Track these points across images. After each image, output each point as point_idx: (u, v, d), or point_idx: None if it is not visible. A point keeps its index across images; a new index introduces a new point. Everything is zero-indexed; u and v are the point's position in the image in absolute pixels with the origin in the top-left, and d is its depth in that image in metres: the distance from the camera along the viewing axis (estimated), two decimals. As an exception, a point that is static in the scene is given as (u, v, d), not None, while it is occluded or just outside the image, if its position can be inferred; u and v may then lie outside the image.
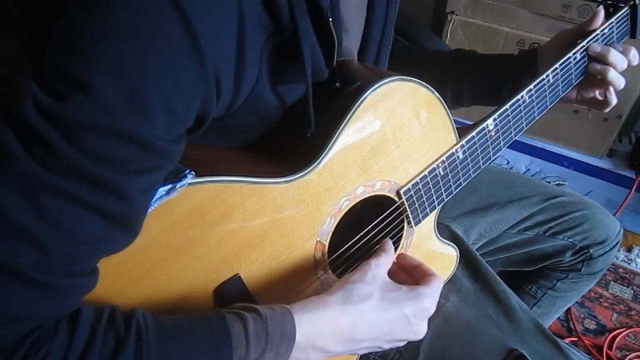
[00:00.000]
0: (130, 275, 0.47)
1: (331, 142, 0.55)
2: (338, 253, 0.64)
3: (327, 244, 0.61)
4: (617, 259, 1.60)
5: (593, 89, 0.82)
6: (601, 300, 1.49)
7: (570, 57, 0.76)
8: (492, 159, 0.74)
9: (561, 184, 1.68)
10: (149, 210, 0.45)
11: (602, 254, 0.96)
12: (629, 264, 1.60)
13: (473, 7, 1.53)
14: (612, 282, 1.54)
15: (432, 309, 0.58)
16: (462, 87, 0.84)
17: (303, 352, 0.50)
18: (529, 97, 0.73)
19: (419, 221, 0.69)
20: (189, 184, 0.47)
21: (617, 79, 0.77)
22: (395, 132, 0.61)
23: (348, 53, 0.63)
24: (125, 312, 0.43)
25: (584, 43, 0.77)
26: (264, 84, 0.49)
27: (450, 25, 1.56)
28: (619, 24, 0.81)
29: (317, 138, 0.56)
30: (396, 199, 0.65)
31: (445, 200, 0.71)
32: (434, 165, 0.66)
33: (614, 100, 0.80)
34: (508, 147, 0.76)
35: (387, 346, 0.57)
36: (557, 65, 0.74)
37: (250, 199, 0.52)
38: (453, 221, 0.90)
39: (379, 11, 0.64)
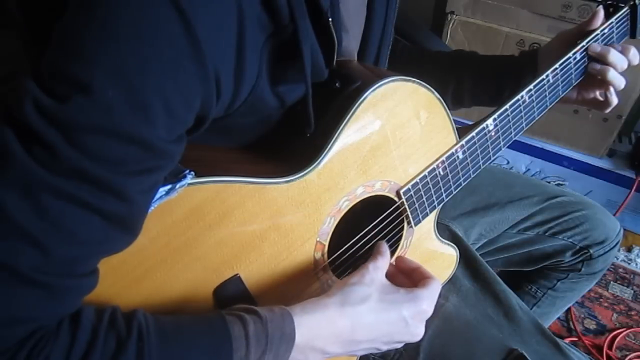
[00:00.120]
0: (130, 276, 0.47)
1: (331, 142, 0.55)
2: (338, 253, 0.64)
3: (326, 244, 0.61)
4: (617, 259, 1.60)
5: (593, 90, 0.82)
6: (601, 300, 1.49)
7: (570, 57, 0.76)
8: (492, 159, 0.74)
9: (561, 184, 1.68)
10: (149, 210, 0.45)
11: (602, 254, 0.96)
12: (629, 264, 1.60)
13: (473, 7, 1.53)
14: (612, 282, 1.54)
15: (429, 311, 0.58)
16: (463, 87, 0.85)
17: (302, 354, 0.50)
18: (529, 97, 0.73)
19: (419, 221, 0.69)
20: (189, 184, 0.47)
21: (617, 79, 0.77)
22: (395, 132, 0.61)
23: (348, 53, 0.63)
24: (126, 313, 0.44)
25: (583, 43, 0.77)
26: (263, 84, 0.49)
27: (450, 25, 1.56)
28: (618, 24, 0.81)
29: (317, 138, 0.56)
30: (396, 199, 0.65)
31: (445, 200, 0.71)
32: (434, 166, 0.66)
33: (614, 100, 0.80)
34: (508, 147, 0.76)
35: (385, 347, 0.57)
36: (557, 66, 0.74)
37: (250, 199, 0.52)
38: (453, 221, 0.90)
39: (378, 11, 0.64)
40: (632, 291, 1.52)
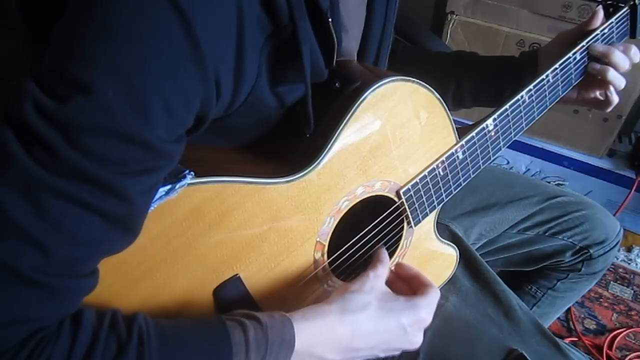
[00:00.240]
0: (130, 276, 0.47)
1: (331, 143, 0.55)
2: (338, 253, 0.65)
3: (326, 244, 0.61)
4: (617, 259, 1.60)
5: (593, 89, 0.82)
6: (601, 300, 1.49)
7: (569, 57, 0.76)
8: (492, 159, 0.74)
9: (561, 184, 1.68)
10: (149, 210, 0.45)
11: (602, 254, 0.96)
12: (629, 264, 1.60)
13: (473, 7, 1.53)
14: (612, 282, 1.54)
15: (428, 319, 0.59)
16: (463, 88, 0.85)
17: None
18: (529, 97, 0.73)
19: (419, 221, 0.69)
20: (189, 184, 0.47)
21: (617, 79, 0.77)
22: (395, 132, 0.61)
23: (347, 53, 0.62)
24: (127, 316, 0.44)
25: (583, 43, 0.77)
26: (263, 85, 0.49)
27: (450, 25, 1.56)
28: (618, 24, 0.81)
29: (317, 138, 0.56)
30: (396, 199, 0.65)
31: (445, 200, 0.71)
32: (434, 166, 0.66)
33: (615, 99, 0.80)
34: (508, 147, 0.76)
35: (383, 355, 0.58)
36: (556, 66, 0.74)
37: (249, 199, 0.52)
38: (453, 221, 0.90)
39: (378, 11, 0.64)
40: (632, 291, 1.51)
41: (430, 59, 0.90)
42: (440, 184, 0.69)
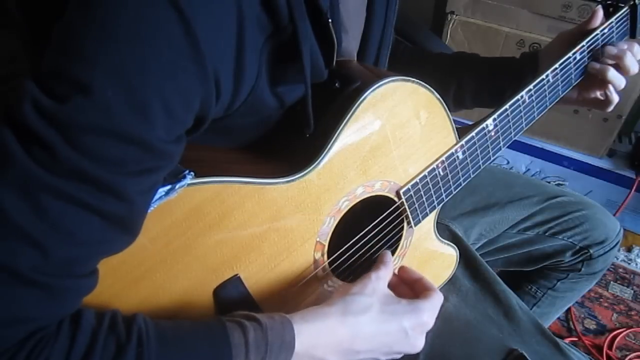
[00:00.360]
0: (130, 276, 0.47)
1: (330, 143, 0.55)
2: (338, 253, 0.64)
3: (326, 244, 0.61)
4: (617, 259, 1.60)
5: (594, 89, 0.82)
6: (601, 300, 1.49)
7: (569, 57, 0.76)
8: (492, 159, 0.74)
9: (561, 184, 1.68)
10: (149, 210, 0.45)
11: (602, 254, 0.96)
12: (629, 264, 1.60)
13: (473, 7, 1.53)
14: (612, 282, 1.54)
15: (430, 323, 0.58)
16: (464, 88, 0.85)
17: None
18: (529, 97, 0.73)
19: (419, 221, 0.69)
20: (188, 184, 0.47)
21: (617, 79, 0.77)
22: (395, 132, 0.61)
23: (347, 54, 0.62)
24: (126, 317, 0.43)
25: (583, 43, 0.77)
26: (263, 85, 0.49)
27: (450, 25, 1.56)
28: (618, 24, 0.81)
29: (317, 138, 0.56)
30: (396, 199, 0.65)
31: (445, 200, 0.71)
32: (434, 166, 0.66)
33: (615, 99, 0.80)
34: (508, 147, 0.76)
35: (383, 357, 0.58)
36: (556, 65, 0.74)
37: (249, 199, 0.52)
38: (453, 221, 0.90)
39: (378, 12, 0.64)
40: (632, 291, 1.51)
41: (431, 59, 0.90)
42: (440, 184, 0.68)
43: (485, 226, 0.95)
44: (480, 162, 0.72)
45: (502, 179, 0.99)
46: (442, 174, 0.68)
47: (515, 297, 0.80)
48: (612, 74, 0.77)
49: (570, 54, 0.76)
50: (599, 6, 0.80)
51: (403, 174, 0.64)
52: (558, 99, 0.79)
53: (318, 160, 0.55)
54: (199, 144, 0.53)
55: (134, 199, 0.41)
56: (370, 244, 0.67)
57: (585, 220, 0.95)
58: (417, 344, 0.58)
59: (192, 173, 0.47)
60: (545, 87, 0.75)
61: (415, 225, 0.69)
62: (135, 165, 0.40)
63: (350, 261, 0.67)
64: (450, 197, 0.71)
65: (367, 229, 0.66)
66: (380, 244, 0.68)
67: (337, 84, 0.57)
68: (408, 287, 0.63)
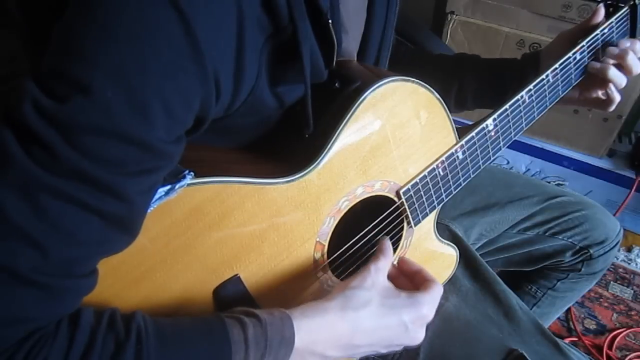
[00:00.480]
0: (130, 276, 0.47)
1: (330, 143, 0.55)
2: (338, 253, 0.64)
3: (326, 244, 0.61)
4: (617, 259, 1.60)
5: (595, 89, 0.82)
6: (601, 300, 1.49)
7: (569, 57, 0.76)
8: (492, 159, 0.74)
9: (561, 184, 1.68)
10: (148, 210, 0.45)
11: (602, 254, 0.96)
12: (629, 264, 1.60)
13: (473, 7, 1.53)
14: (612, 282, 1.54)
15: (430, 315, 0.58)
16: (466, 89, 0.85)
17: (301, 357, 0.50)
18: (529, 97, 0.73)
19: (419, 221, 0.69)
20: (188, 184, 0.47)
21: (617, 77, 0.77)
22: (395, 132, 0.61)
23: (347, 54, 0.63)
24: (125, 315, 0.43)
25: (583, 43, 0.77)
26: (263, 85, 0.49)
27: (450, 25, 1.56)
28: (618, 24, 0.81)
29: (317, 138, 0.56)
30: (396, 199, 0.65)
31: (445, 200, 0.71)
32: (434, 166, 0.66)
33: (617, 97, 0.80)
34: (508, 147, 0.76)
35: (384, 351, 0.57)
36: (556, 66, 0.74)
37: (249, 199, 0.52)
38: (453, 221, 0.90)
39: (379, 12, 0.64)
40: (632, 291, 1.51)
41: (432, 60, 0.90)
42: (440, 184, 0.69)
43: (485, 226, 0.95)
44: (480, 162, 0.72)
45: (502, 179, 0.99)
46: (442, 174, 0.68)
47: (515, 297, 0.80)
48: (613, 72, 0.77)
49: (570, 54, 0.76)
50: (601, 4, 0.80)
51: (403, 174, 0.64)
52: (558, 99, 0.79)
53: (318, 160, 0.55)
54: (199, 144, 0.53)
55: (134, 199, 0.41)
56: (370, 244, 0.67)
57: (585, 220, 0.95)
58: (418, 337, 0.58)
59: (192, 173, 0.47)
60: (545, 87, 0.75)
61: (415, 225, 0.69)
62: (135, 166, 0.40)
63: (350, 261, 0.67)
64: (450, 197, 0.71)
65: (367, 229, 0.66)
66: (383, 234, 0.67)
67: (337, 84, 0.57)
68: (408, 279, 0.62)
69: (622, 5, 0.81)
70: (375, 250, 0.60)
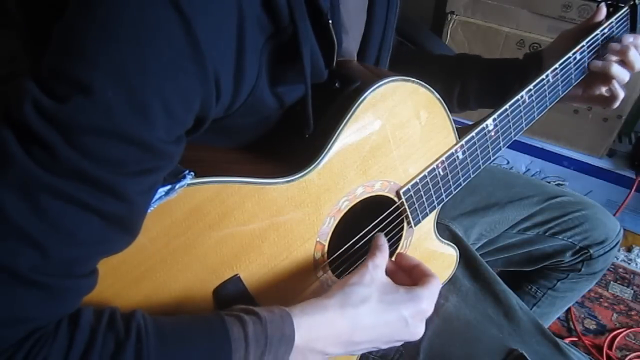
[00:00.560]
0: (130, 276, 0.47)
1: (330, 143, 0.55)
2: (338, 253, 0.65)
3: (326, 244, 0.61)
4: (617, 259, 1.60)
5: (598, 86, 0.82)
6: (601, 300, 1.49)
7: (570, 57, 0.76)
8: (492, 159, 0.74)
9: (561, 184, 1.68)
10: (149, 210, 0.45)
11: (602, 254, 0.96)
12: (629, 264, 1.60)
13: (473, 7, 1.53)
14: (612, 282, 1.54)
15: (429, 310, 0.58)
16: (468, 89, 0.85)
17: (302, 355, 0.50)
18: (529, 97, 0.73)
19: (419, 221, 0.69)
20: (188, 184, 0.47)
21: (621, 73, 0.77)
22: (395, 132, 0.61)
23: (348, 54, 0.63)
24: (125, 314, 0.43)
25: (583, 43, 0.77)
26: (263, 85, 0.49)
27: (450, 25, 1.56)
28: (618, 24, 0.81)
29: (317, 138, 0.56)
30: (396, 199, 0.65)
31: (445, 200, 0.71)
32: (434, 166, 0.66)
33: (620, 94, 0.80)
34: (508, 147, 0.76)
35: (384, 347, 0.57)
36: (557, 65, 0.74)
37: (249, 199, 0.52)
38: (453, 221, 0.90)
39: (379, 13, 0.64)
40: (632, 291, 1.51)
41: (434, 61, 0.90)
42: (440, 184, 0.69)
43: (486, 226, 0.95)
44: (480, 162, 0.72)
45: (502, 179, 0.99)
46: (442, 174, 0.68)
47: (515, 297, 0.80)
48: (616, 69, 0.76)
49: (570, 54, 0.76)
50: (603, 4, 0.80)
51: (403, 174, 0.64)
52: (558, 99, 0.79)
53: (318, 160, 0.55)
54: (199, 144, 0.53)
55: (134, 199, 0.41)
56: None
57: (585, 220, 0.95)
58: (418, 332, 0.58)
59: (192, 173, 0.47)
60: (545, 87, 0.75)
61: (415, 225, 0.69)
62: (135, 166, 0.40)
63: (350, 261, 0.67)
64: (450, 197, 0.71)
65: (367, 229, 0.66)
66: (377, 229, 0.67)
67: (337, 84, 0.57)
68: (406, 274, 0.62)
69: (622, 5, 0.81)
70: (371, 247, 0.60)
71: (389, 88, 0.58)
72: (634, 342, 1.38)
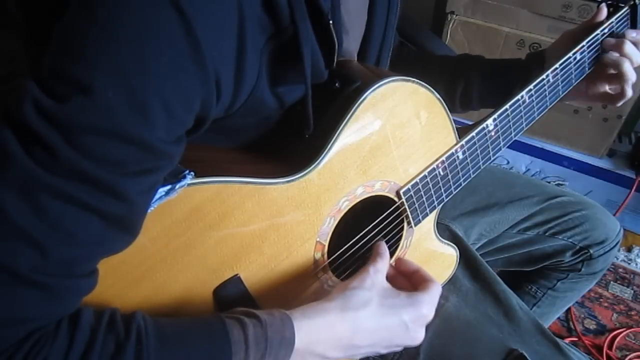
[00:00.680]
0: (130, 276, 0.47)
1: (331, 143, 0.55)
2: (338, 253, 0.64)
3: (326, 244, 0.61)
4: (617, 259, 1.60)
5: (602, 83, 0.82)
6: (601, 300, 1.49)
7: (570, 57, 0.76)
8: (492, 159, 0.74)
9: (561, 184, 1.68)
10: (149, 210, 0.45)
11: (602, 254, 0.96)
12: (629, 264, 1.60)
13: (473, 7, 1.53)
14: (612, 282, 1.54)
15: (430, 315, 0.58)
16: (471, 90, 0.85)
17: (301, 358, 0.50)
18: (529, 97, 0.73)
19: (419, 221, 0.69)
20: (189, 184, 0.47)
21: (631, 72, 0.77)
22: (395, 132, 0.61)
23: (348, 54, 0.63)
24: (125, 315, 0.43)
25: (583, 43, 0.77)
26: (263, 85, 0.49)
27: (450, 25, 1.56)
28: (619, 24, 0.81)
29: (317, 138, 0.56)
30: (396, 199, 0.65)
31: (445, 200, 0.71)
32: (434, 166, 0.66)
33: (629, 93, 0.80)
34: (508, 147, 0.76)
35: (384, 351, 0.58)
36: (557, 65, 0.74)
37: (249, 199, 0.52)
38: (453, 221, 0.90)
39: (380, 14, 0.64)
40: (632, 291, 1.51)
41: (437, 61, 0.90)
42: (440, 184, 0.69)
43: (486, 226, 0.95)
44: (481, 162, 0.72)
45: (502, 179, 0.99)
46: (442, 174, 0.68)
47: (515, 297, 0.80)
48: (628, 66, 0.76)
49: (570, 54, 0.76)
50: (603, 4, 0.80)
51: (403, 174, 0.64)
52: (558, 99, 0.79)
53: (318, 160, 0.55)
54: (199, 144, 0.53)
55: (134, 199, 0.41)
56: (370, 244, 0.67)
57: (585, 220, 0.95)
58: (418, 337, 0.58)
59: (192, 173, 0.47)
60: (546, 87, 0.75)
61: (416, 225, 0.69)
62: (136, 166, 0.40)
63: (351, 261, 0.67)
64: (450, 197, 0.71)
65: (367, 229, 0.66)
66: (379, 236, 0.67)
67: (337, 84, 0.57)
68: (406, 279, 0.63)
69: (622, 5, 0.81)
70: (372, 254, 0.61)
71: (389, 88, 0.58)
72: (634, 342, 1.38)
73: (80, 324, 0.40)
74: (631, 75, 0.77)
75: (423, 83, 0.61)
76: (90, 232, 0.40)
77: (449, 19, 1.56)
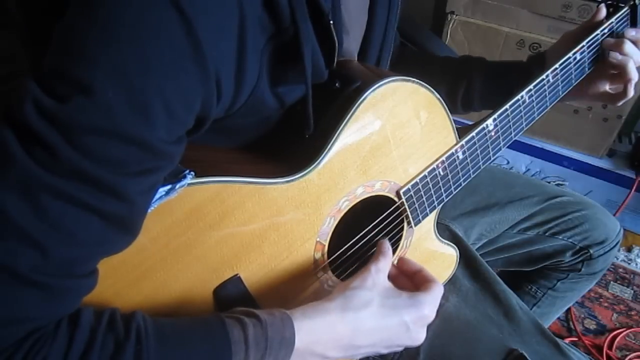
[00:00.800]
0: (130, 276, 0.47)
1: (331, 143, 0.55)
2: (338, 253, 0.65)
3: (326, 244, 0.61)
4: (617, 259, 1.60)
5: (603, 82, 0.82)
6: (601, 300, 1.49)
7: (569, 57, 0.76)
8: (492, 159, 0.74)
9: (561, 184, 1.68)
10: (149, 210, 0.45)
11: (602, 254, 0.96)
12: (629, 264, 1.60)
13: (473, 7, 1.53)
14: (612, 282, 1.54)
15: (431, 316, 0.58)
16: (472, 91, 0.85)
17: (302, 358, 0.50)
18: (529, 97, 0.73)
19: (419, 221, 0.69)
20: (189, 184, 0.47)
21: (634, 72, 0.77)
22: (395, 132, 0.61)
23: (348, 54, 0.63)
24: (125, 315, 0.43)
25: (583, 44, 0.77)
26: (263, 86, 0.49)
27: (450, 25, 1.56)
28: (619, 24, 0.81)
29: (317, 138, 0.56)
30: (396, 199, 0.65)
31: (445, 200, 0.71)
32: (434, 166, 0.66)
33: (630, 92, 0.80)
34: (508, 147, 0.76)
35: (385, 351, 0.57)
36: (557, 66, 0.74)
37: (249, 199, 0.52)
38: (453, 221, 0.90)
39: (380, 14, 0.64)
40: (632, 291, 1.52)
41: (438, 62, 0.90)
42: (440, 184, 0.69)
43: (486, 226, 0.95)
44: (481, 162, 0.72)
45: (502, 179, 0.99)
46: (442, 174, 0.68)
47: (515, 297, 0.80)
48: (632, 65, 0.77)
49: (570, 54, 0.76)
50: (602, 4, 0.80)
51: (403, 174, 0.64)
52: (558, 99, 0.79)
53: (318, 160, 0.55)
54: (199, 144, 0.53)
55: (134, 199, 0.41)
56: (371, 244, 0.67)
57: (585, 220, 0.95)
58: (419, 338, 0.58)
59: (192, 173, 0.47)
60: (546, 87, 0.75)
61: (416, 225, 0.69)
62: (136, 166, 0.40)
63: (351, 261, 0.67)
64: (450, 197, 0.71)
65: (367, 229, 0.66)
66: (382, 234, 0.67)
67: (337, 84, 0.57)
68: (408, 279, 0.62)
69: (622, 5, 0.81)
70: (375, 252, 0.60)
71: (389, 88, 0.58)
72: (634, 342, 1.38)
73: (80, 324, 0.40)
74: (634, 75, 0.77)
75: (423, 83, 0.61)
76: (91, 232, 0.40)
77: (449, 19, 1.56)
